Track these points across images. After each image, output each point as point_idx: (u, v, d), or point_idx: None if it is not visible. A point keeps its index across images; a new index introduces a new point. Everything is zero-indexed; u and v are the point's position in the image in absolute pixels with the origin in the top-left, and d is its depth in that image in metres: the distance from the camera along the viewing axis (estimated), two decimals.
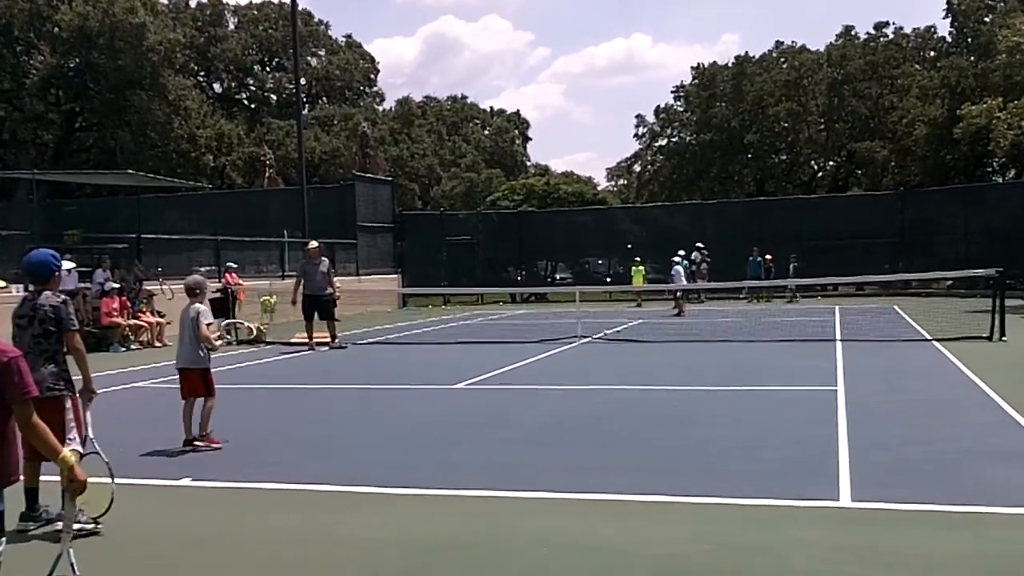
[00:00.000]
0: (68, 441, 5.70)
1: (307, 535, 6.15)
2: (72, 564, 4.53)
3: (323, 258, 19.70)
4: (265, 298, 23.60)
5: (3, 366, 3.88)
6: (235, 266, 25.87)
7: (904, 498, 6.54)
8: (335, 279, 20.14)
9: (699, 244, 34.81)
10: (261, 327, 21.44)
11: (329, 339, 19.26)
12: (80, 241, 25.40)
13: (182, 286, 9.36)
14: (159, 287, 22.45)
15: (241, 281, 25.00)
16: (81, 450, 5.85)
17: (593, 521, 6.30)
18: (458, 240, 41.04)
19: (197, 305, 9.29)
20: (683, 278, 28.17)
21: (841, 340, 18.35)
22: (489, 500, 6.92)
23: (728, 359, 16.10)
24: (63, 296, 6.53)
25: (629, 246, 36.87)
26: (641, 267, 34.28)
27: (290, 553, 5.81)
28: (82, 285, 20.78)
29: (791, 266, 34.26)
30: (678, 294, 27.87)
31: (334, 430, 10.20)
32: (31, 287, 6.53)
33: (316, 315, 19.22)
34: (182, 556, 5.86)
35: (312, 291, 19.14)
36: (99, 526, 6.24)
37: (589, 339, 19.87)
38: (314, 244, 20.02)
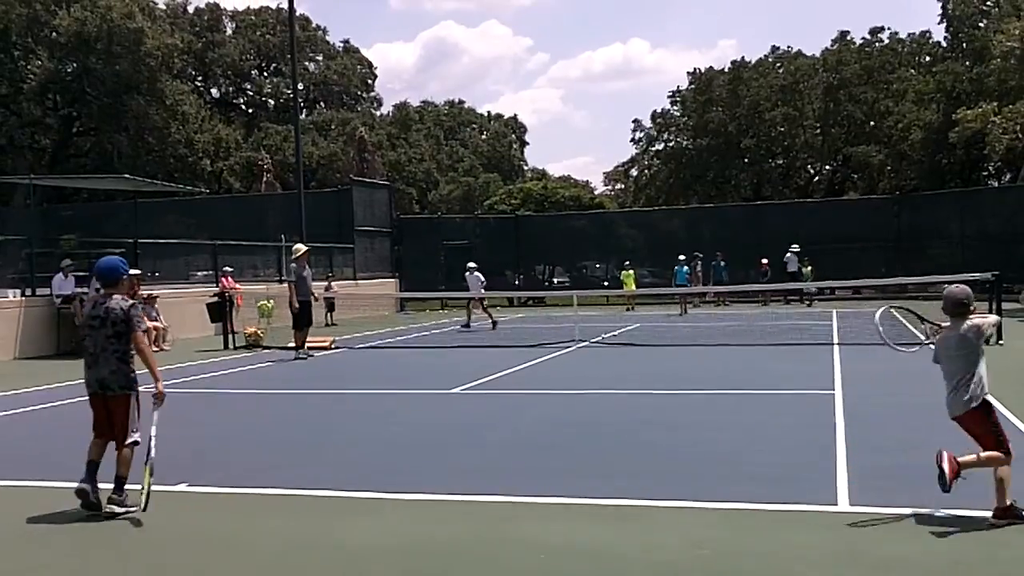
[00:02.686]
0: (131, 433, 6.83)
1: (303, 540, 6.14)
2: None
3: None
4: (262, 302, 23.60)
5: None
6: (231, 270, 25.90)
7: (902, 502, 6.53)
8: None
9: (795, 246, 34.64)
10: (258, 331, 21.42)
11: (297, 346, 18.64)
12: (77, 246, 25.41)
13: None
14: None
15: (238, 285, 25.02)
16: (139, 441, 6.89)
17: (590, 526, 6.30)
18: (455, 244, 41.05)
19: None
20: (479, 286, 25.91)
21: (838, 343, 18.37)
22: (486, 504, 6.91)
23: (726, 363, 16.11)
24: (131, 300, 7.02)
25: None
26: (631, 271, 34.25)
27: (286, 558, 5.80)
28: (79, 290, 20.76)
29: (805, 268, 34.14)
30: (471, 302, 26.17)
31: (330, 435, 10.19)
32: (99, 289, 7.14)
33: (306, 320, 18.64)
34: (179, 561, 5.85)
35: (307, 296, 18.68)
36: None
37: (587, 343, 19.87)
38: (306, 249, 19.43)
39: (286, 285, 19.86)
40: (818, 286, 33.24)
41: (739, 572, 5.32)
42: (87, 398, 7.08)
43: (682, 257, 32.28)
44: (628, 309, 33.44)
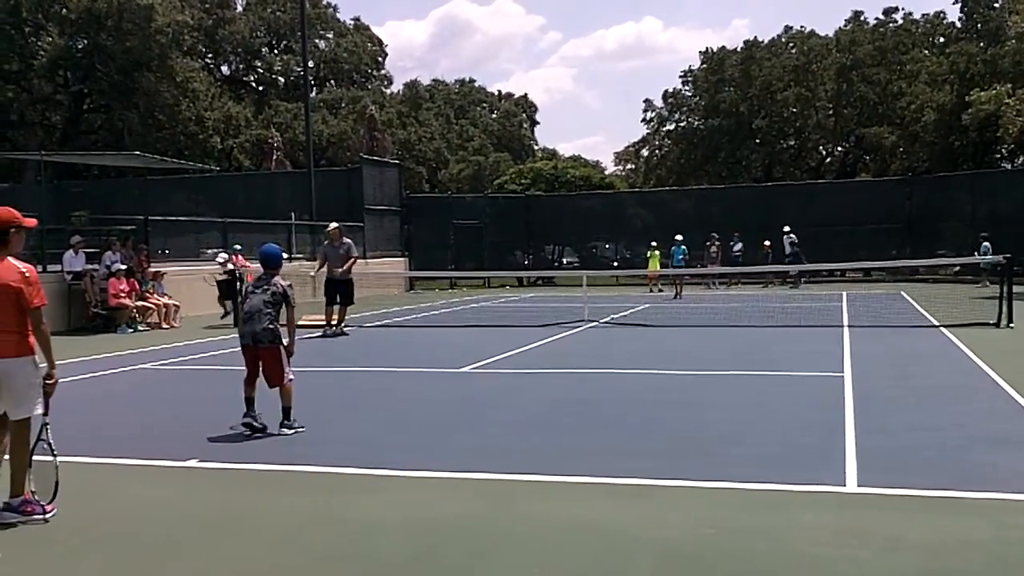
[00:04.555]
0: (286, 375, 8.77)
1: (313, 517, 6.17)
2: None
3: (344, 240, 19.25)
4: None
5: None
6: (240, 248, 25.92)
7: (909, 484, 6.55)
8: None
9: (786, 228, 34.85)
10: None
11: (336, 323, 18.89)
12: (87, 223, 25.44)
13: None
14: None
15: (248, 263, 25.03)
16: (292, 379, 8.86)
17: (598, 504, 6.32)
18: (465, 224, 41.01)
19: None
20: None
21: (848, 326, 18.34)
22: (494, 483, 6.94)
23: (734, 344, 16.09)
24: (289, 281, 9.05)
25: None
26: (657, 251, 33.18)
27: (296, 535, 5.83)
28: (89, 267, 20.82)
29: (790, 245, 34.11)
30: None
31: (339, 413, 10.23)
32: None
33: (337, 298, 18.80)
34: (189, 537, 5.88)
35: (334, 275, 18.79)
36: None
37: (596, 323, 19.87)
38: (335, 225, 19.50)
39: (299, 264, 19.84)
40: (828, 268, 33.17)
41: (746, 551, 5.33)
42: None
43: (679, 237, 31.48)
44: (651, 290, 32.90)
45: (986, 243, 30.95)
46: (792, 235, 34.86)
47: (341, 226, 19.83)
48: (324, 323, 18.83)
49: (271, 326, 8.76)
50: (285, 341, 8.89)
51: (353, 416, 10.02)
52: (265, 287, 8.89)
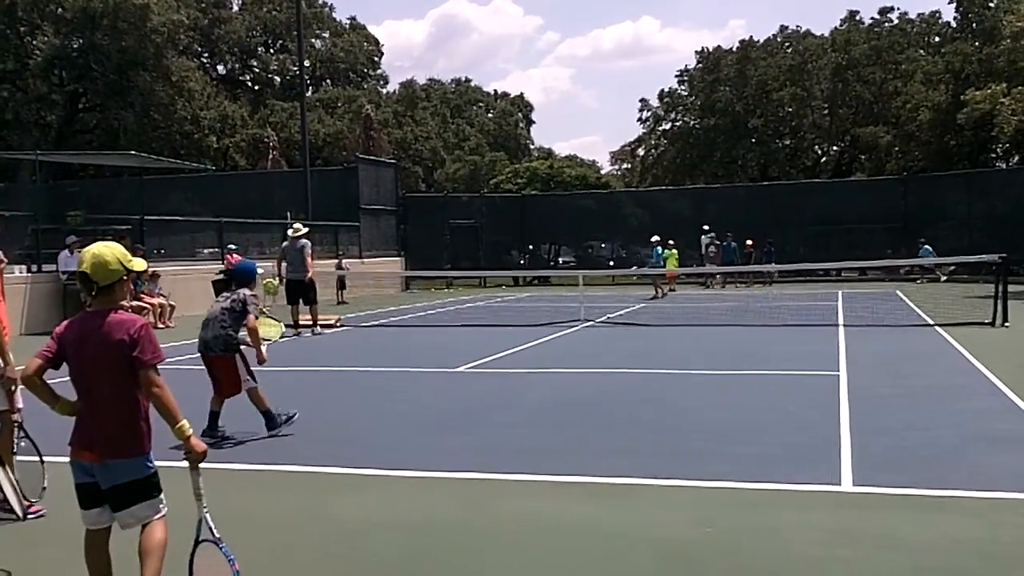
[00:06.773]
0: (244, 383, 8.59)
1: (306, 517, 6.16)
2: (211, 527, 4.74)
3: (303, 239, 18.77)
4: (268, 280, 23.59)
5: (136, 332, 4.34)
6: (235, 247, 25.90)
7: (905, 483, 6.55)
8: (312, 261, 18.90)
9: (706, 227, 34.93)
10: (263, 309, 21.37)
11: (311, 323, 18.80)
12: (83, 222, 25.36)
13: None
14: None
15: None
16: (255, 384, 8.63)
17: (593, 504, 6.31)
18: (461, 223, 40.99)
19: None
20: None
21: (843, 325, 18.35)
22: (489, 483, 6.93)
23: (730, 343, 16.09)
24: (254, 292, 9.04)
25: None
26: (675, 250, 31.81)
27: (289, 535, 5.82)
28: None
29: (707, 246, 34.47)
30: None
31: (333, 412, 10.22)
32: (234, 285, 9.01)
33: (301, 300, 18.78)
34: (178, 540, 5.86)
35: (289, 275, 18.72)
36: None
37: (592, 323, 19.87)
38: (304, 231, 19.12)
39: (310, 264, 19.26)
40: (824, 267, 33.17)
41: (742, 550, 5.33)
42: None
43: (655, 239, 30.64)
44: (673, 289, 31.54)
45: (926, 246, 32.56)
46: (712, 234, 34.83)
47: (301, 224, 19.63)
48: (293, 324, 18.48)
49: (223, 333, 8.54)
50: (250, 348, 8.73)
51: (347, 415, 10.01)
52: (228, 295, 8.83)
